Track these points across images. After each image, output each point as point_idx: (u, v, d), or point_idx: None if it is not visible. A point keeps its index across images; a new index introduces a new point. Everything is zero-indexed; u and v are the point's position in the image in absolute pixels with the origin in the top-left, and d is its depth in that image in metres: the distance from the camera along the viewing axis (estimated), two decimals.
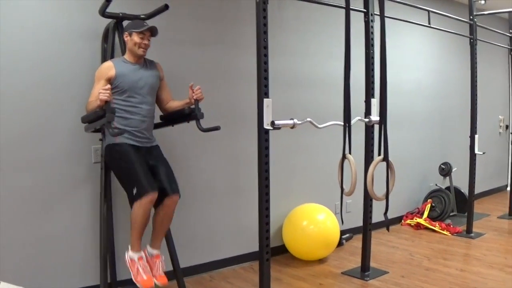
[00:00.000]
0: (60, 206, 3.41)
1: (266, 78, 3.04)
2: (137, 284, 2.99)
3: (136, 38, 3.11)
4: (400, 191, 5.73)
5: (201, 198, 4.12)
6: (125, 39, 3.18)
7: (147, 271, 3.02)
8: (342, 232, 4.84)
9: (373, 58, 3.84)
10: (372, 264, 4.13)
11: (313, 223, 4.36)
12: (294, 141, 4.65)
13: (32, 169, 3.28)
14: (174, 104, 3.39)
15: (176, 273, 3.41)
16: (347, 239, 5.00)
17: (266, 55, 3.03)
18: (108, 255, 3.39)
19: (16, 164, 3.22)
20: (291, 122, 3.16)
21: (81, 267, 3.50)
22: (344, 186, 3.34)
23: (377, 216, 5.40)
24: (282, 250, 4.58)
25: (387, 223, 3.40)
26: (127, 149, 3.08)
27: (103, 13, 3.16)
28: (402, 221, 5.81)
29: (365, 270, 4.00)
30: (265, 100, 3.03)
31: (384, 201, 3.27)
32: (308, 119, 3.28)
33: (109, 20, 3.35)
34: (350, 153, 3.25)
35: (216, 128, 3.22)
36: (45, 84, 3.31)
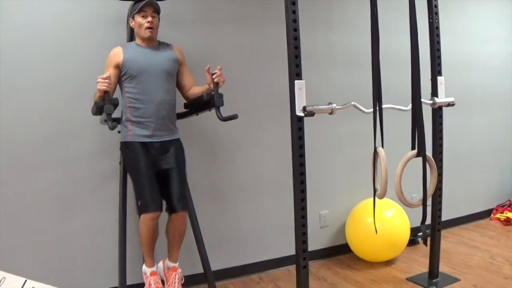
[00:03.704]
0: (87, 203, 3.26)
1: (298, 57, 2.60)
2: None
3: (138, 19, 2.82)
4: (489, 182, 5.15)
5: (248, 194, 3.80)
6: (131, 25, 2.91)
7: (159, 286, 2.89)
8: (418, 229, 4.30)
9: (438, 28, 3.25)
10: (445, 268, 3.59)
11: (379, 220, 3.80)
12: (357, 129, 4.14)
13: (58, 167, 3.16)
14: (196, 90, 3.03)
15: (206, 276, 3.14)
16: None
17: (296, 30, 2.58)
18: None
19: (42, 162, 3.11)
20: (328, 107, 2.70)
21: (106, 267, 3.32)
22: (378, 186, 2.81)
23: (459, 210, 4.75)
24: (345, 249, 4.13)
25: (424, 235, 2.94)
26: (136, 152, 2.83)
27: None
28: (492, 215, 5.12)
29: (432, 276, 3.43)
30: (296, 82, 2.59)
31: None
32: (352, 103, 2.80)
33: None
34: (382, 145, 2.70)
35: (233, 117, 2.81)
36: (69, 76, 3.15)
